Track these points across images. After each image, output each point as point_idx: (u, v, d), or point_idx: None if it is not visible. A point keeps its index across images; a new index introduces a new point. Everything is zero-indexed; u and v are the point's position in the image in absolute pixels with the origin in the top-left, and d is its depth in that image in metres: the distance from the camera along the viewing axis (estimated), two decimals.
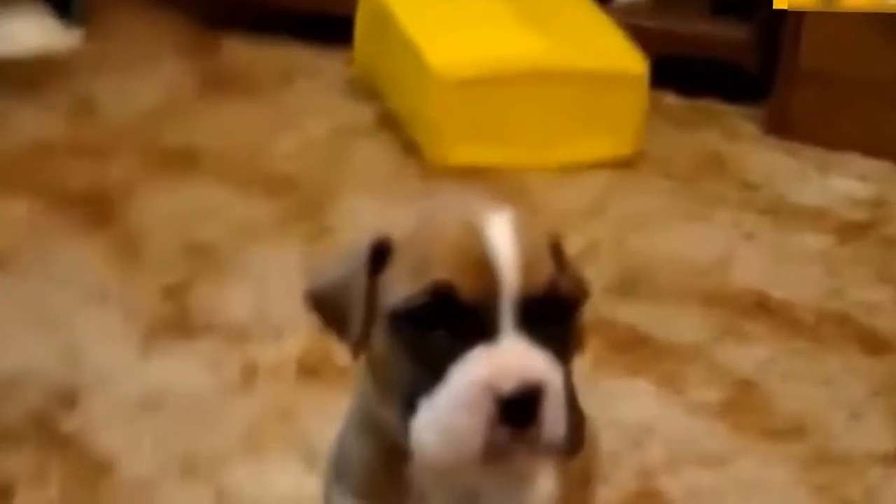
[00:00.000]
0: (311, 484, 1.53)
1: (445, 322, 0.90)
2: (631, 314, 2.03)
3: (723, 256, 2.24)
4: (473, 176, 2.48)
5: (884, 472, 1.69)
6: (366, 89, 2.98)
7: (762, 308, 2.07)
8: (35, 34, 3.39)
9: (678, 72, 2.94)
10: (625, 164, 2.62)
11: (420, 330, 0.91)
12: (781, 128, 2.75)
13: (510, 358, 0.89)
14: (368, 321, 0.96)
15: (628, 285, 2.12)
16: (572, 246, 2.21)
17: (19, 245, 2.21)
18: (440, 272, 0.91)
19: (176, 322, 1.97)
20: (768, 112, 2.81)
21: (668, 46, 2.88)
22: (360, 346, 0.98)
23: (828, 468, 1.69)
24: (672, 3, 3.03)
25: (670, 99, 2.98)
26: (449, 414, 0.89)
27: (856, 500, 1.64)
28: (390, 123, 2.80)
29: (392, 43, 2.74)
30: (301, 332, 1.92)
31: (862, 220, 2.43)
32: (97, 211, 2.35)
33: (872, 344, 1.98)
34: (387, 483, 1.03)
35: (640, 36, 2.70)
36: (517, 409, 0.88)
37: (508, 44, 2.63)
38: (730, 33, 2.88)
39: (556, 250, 1.00)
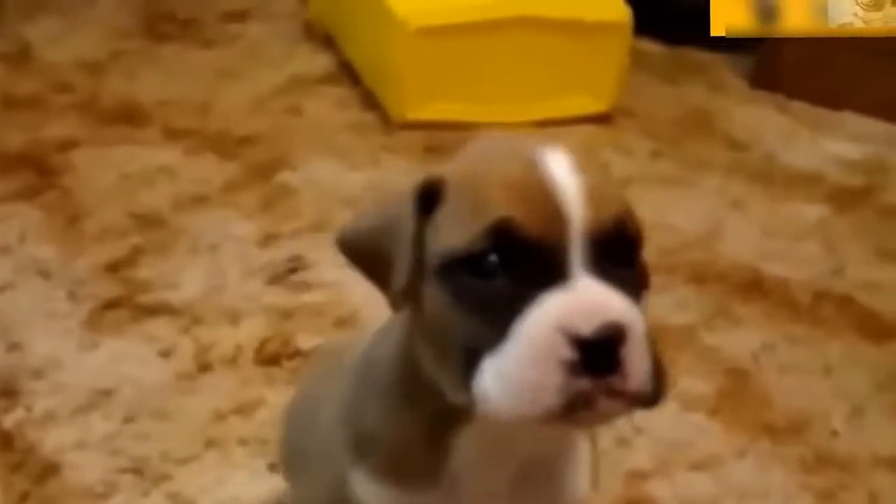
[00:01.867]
0: (274, 483, 1.41)
1: (509, 266, 0.80)
2: None
3: (710, 227, 2.09)
4: (439, 132, 2.31)
5: (890, 478, 1.55)
6: (323, 34, 2.79)
7: (755, 287, 1.91)
8: None
9: (659, 18, 2.77)
10: (604, 121, 2.45)
11: (480, 277, 0.80)
12: (770, 81, 2.60)
13: (587, 298, 0.78)
14: (416, 270, 0.85)
15: None
16: None
17: None
18: (500, 209, 0.80)
19: (123, 302, 1.79)
20: (756, 64, 2.64)
21: None
22: (404, 297, 0.86)
23: (829, 472, 1.54)
24: None
25: (652, 48, 2.83)
26: (523, 365, 0.78)
27: None
28: (349, 74, 2.62)
29: None
30: (259, 314, 1.77)
31: (858, 185, 2.28)
32: (35, 175, 2.16)
33: (875, 330, 1.83)
34: (422, 463, 0.93)
35: None
36: (599, 355, 0.77)
37: None
38: None
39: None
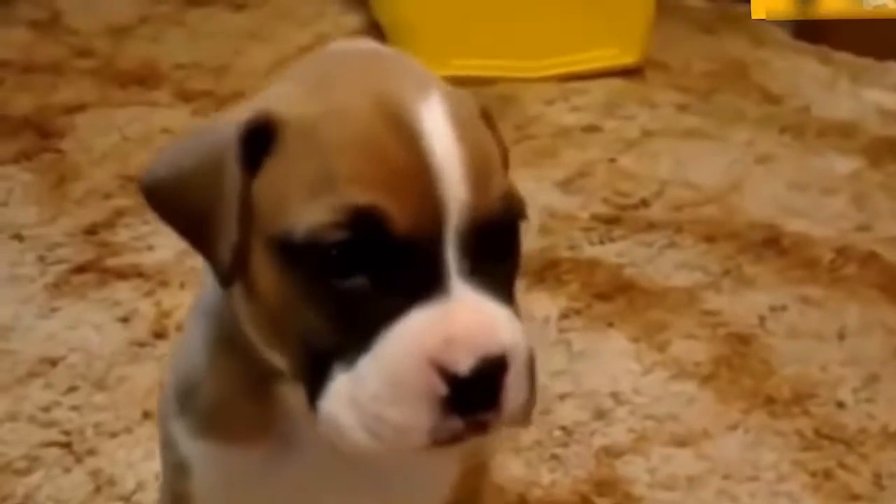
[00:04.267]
0: None
1: (368, 264, 0.65)
2: (616, 252, 1.73)
3: (731, 182, 1.93)
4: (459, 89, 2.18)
5: None
6: None
7: (772, 245, 1.75)
8: None
9: None
10: (632, 75, 2.31)
11: (331, 271, 0.65)
12: (814, 32, 2.43)
13: (464, 322, 0.65)
14: (243, 231, 0.69)
15: (618, 216, 1.82)
16: (562, 169, 1.97)
17: None
18: (362, 193, 0.64)
19: (92, 266, 1.70)
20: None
21: None
22: (233, 271, 0.70)
23: (830, 448, 1.37)
24: None
25: (693, 1, 2.66)
26: (384, 398, 0.65)
27: (862, 493, 1.31)
28: (377, 34, 2.51)
29: None
30: None
31: None
32: (34, 138, 2.09)
33: None
34: (246, 415, 0.78)
35: None
36: (474, 391, 0.65)
37: None
38: None
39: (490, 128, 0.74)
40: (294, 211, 0.65)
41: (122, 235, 1.77)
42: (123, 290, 1.64)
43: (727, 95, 2.25)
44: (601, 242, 1.76)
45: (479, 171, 0.66)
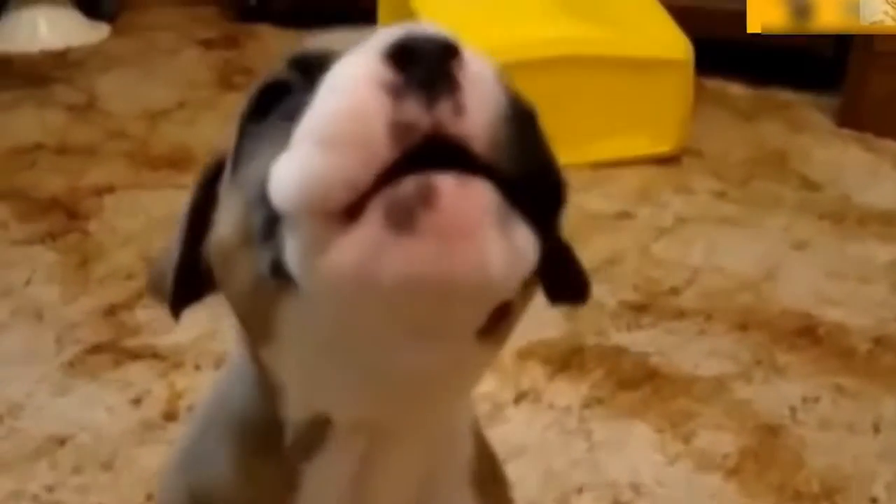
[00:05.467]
0: None
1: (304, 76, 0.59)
2: (644, 340, 1.68)
3: (765, 270, 1.88)
4: None
5: None
6: None
7: (807, 334, 1.69)
8: (59, 30, 3.22)
9: (744, 58, 2.59)
10: (667, 162, 2.27)
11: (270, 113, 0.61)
12: (856, 119, 2.38)
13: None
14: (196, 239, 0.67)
15: (647, 303, 1.77)
16: (591, 256, 1.92)
17: None
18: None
19: (109, 346, 1.68)
20: (842, 101, 2.43)
21: (731, 29, 2.53)
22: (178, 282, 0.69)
23: None
24: None
25: (736, 89, 2.66)
26: (327, 116, 0.52)
27: None
28: None
29: None
30: None
31: None
32: (62, 219, 2.09)
33: None
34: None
35: (693, 17, 2.35)
36: (423, 66, 0.51)
37: (533, 29, 2.29)
38: None
39: None
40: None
41: (140, 316, 1.75)
42: (137, 371, 1.61)
43: (765, 182, 2.20)
44: (628, 330, 1.71)
45: None
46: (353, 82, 0.52)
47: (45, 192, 2.21)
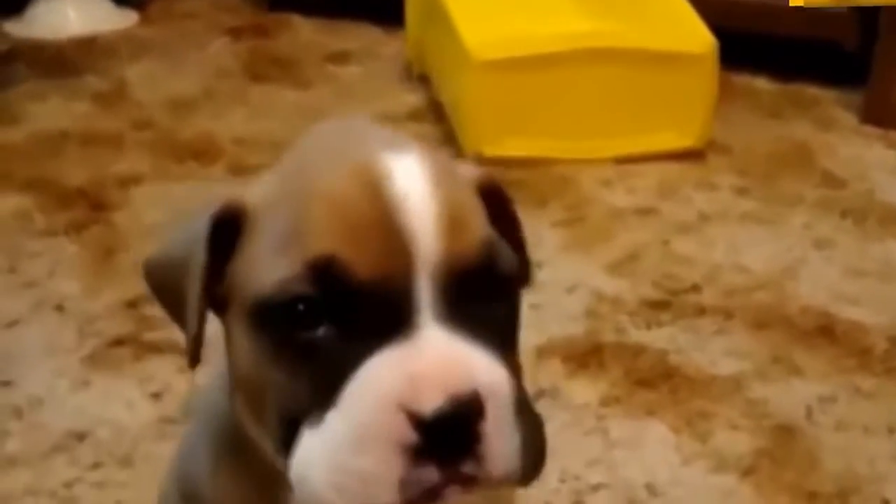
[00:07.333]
0: None
1: (335, 313, 0.63)
2: (663, 338, 1.68)
3: (785, 268, 1.87)
4: (515, 169, 2.17)
5: None
6: (419, 74, 2.70)
7: (825, 333, 1.69)
8: (87, 17, 3.24)
9: (770, 53, 2.58)
10: (692, 158, 2.26)
11: (298, 326, 0.63)
12: (881, 116, 2.36)
13: (431, 360, 0.61)
14: (225, 312, 0.71)
15: (667, 301, 1.77)
16: (613, 251, 1.92)
17: None
18: (320, 243, 0.63)
19: (129, 340, 1.69)
20: (866, 98, 2.41)
21: (757, 22, 2.52)
22: (198, 344, 0.73)
23: None
24: None
25: (761, 84, 2.65)
26: (350, 449, 0.61)
27: None
28: (436, 112, 2.51)
29: (437, 24, 2.45)
30: None
31: None
32: (86, 210, 2.11)
33: None
34: None
35: (718, 11, 2.34)
36: (449, 435, 0.60)
37: (557, 23, 2.30)
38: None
39: (497, 203, 0.73)
40: (264, 273, 0.65)
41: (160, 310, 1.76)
42: (158, 365, 1.62)
43: (788, 179, 2.19)
44: (647, 327, 1.71)
45: (452, 221, 0.64)
46: (376, 441, 0.61)
47: (70, 182, 2.22)
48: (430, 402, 0.59)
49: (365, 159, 0.65)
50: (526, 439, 0.64)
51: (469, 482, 0.61)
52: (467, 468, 0.61)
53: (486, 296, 0.65)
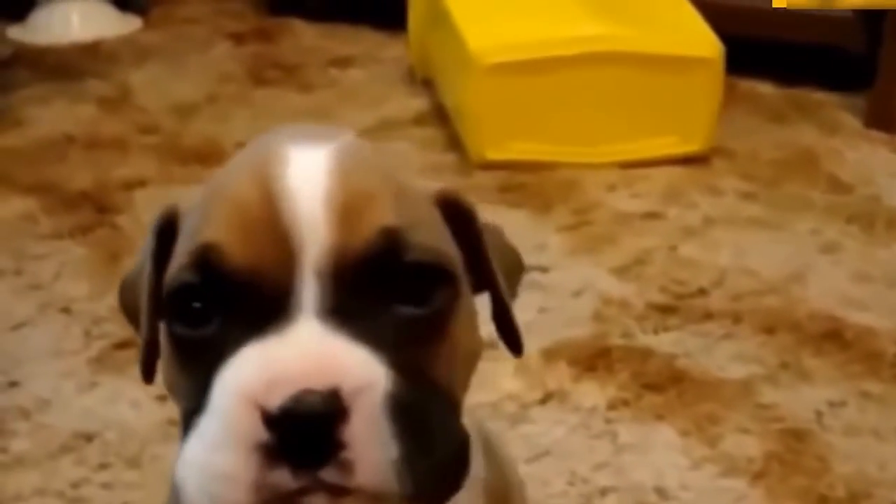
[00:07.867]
0: None
1: (220, 308, 0.62)
2: (671, 342, 1.68)
3: (793, 272, 1.87)
4: (519, 173, 2.17)
5: None
6: (422, 79, 2.70)
7: (834, 337, 1.68)
8: (91, 23, 3.23)
9: (774, 58, 2.57)
10: (697, 163, 2.26)
11: (188, 319, 0.63)
12: (886, 120, 2.36)
13: (291, 355, 0.58)
14: (154, 323, 0.71)
15: (674, 305, 1.77)
16: (619, 256, 1.92)
17: None
18: (207, 233, 0.63)
19: (135, 342, 1.67)
20: (871, 102, 2.41)
21: (763, 28, 2.52)
22: (151, 354, 0.72)
23: None
24: None
25: (765, 88, 2.65)
26: (211, 446, 0.59)
27: None
28: (440, 117, 2.51)
29: (441, 28, 2.45)
30: None
31: None
32: (91, 213, 2.11)
33: None
34: None
35: (722, 16, 2.34)
36: (298, 436, 0.57)
37: (561, 26, 2.29)
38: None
39: (460, 219, 0.70)
40: (171, 271, 0.65)
41: None
42: None
43: (794, 184, 2.19)
44: (655, 332, 1.70)
45: (345, 212, 0.61)
46: (230, 439, 0.58)
47: (75, 185, 2.23)
48: (278, 398, 0.56)
49: (266, 155, 0.65)
50: (422, 451, 0.59)
51: (336, 492, 0.57)
52: (329, 475, 0.57)
53: (391, 295, 0.62)
